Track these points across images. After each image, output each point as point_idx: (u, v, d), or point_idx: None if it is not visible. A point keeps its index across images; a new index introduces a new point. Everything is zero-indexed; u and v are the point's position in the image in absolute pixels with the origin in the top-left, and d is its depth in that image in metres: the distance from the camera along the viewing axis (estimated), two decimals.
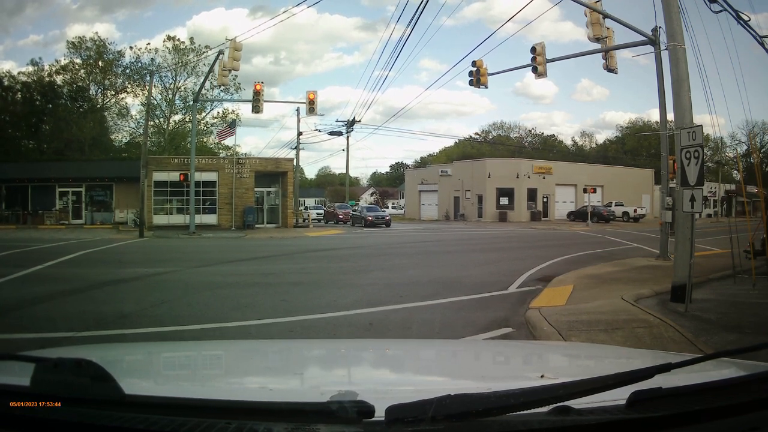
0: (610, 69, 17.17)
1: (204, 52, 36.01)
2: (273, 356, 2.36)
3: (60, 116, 40.62)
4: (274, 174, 34.01)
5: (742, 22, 13.23)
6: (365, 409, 1.04)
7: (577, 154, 70.95)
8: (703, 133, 7.75)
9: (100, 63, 43.25)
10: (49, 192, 34.49)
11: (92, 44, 43.10)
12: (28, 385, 1.13)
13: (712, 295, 8.81)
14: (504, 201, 46.93)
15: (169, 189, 31.34)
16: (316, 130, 42.74)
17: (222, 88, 37.12)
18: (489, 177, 46.88)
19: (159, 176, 30.95)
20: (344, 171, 61.66)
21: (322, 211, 48.99)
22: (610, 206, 43.79)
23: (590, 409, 1.10)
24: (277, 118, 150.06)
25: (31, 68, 43.32)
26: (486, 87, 18.65)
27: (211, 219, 31.53)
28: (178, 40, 44.01)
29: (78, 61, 43.12)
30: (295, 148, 39.94)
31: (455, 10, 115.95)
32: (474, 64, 18.33)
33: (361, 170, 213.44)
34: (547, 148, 75.33)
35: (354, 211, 41.85)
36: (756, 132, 59.66)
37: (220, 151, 44.58)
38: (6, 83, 42.59)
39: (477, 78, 18.30)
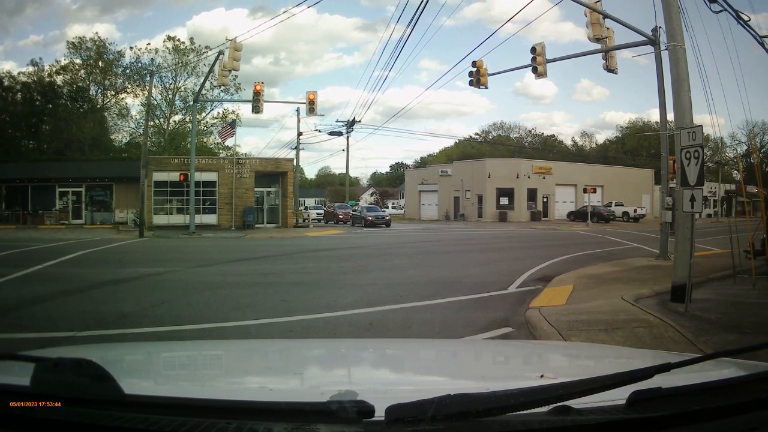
0: (610, 69, 17.17)
1: (204, 52, 36.02)
2: (273, 356, 2.36)
3: (60, 116, 40.62)
4: (274, 174, 34.02)
5: (742, 22, 13.24)
6: (365, 409, 1.04)
7: (577, 154, 70.97)
8: (703, 133, 7.76)
9: (100, 63, 43.24)
10: (49, 192, 34.50)
11: (92, 44, 43.15)
12: (28, 385, 1.13)
13: (712, 295, 8.81)
14: (504, 201, 46.94)
15: (169, 189, 31.34)
16: (316, 131, 42.79)
17: (222, 88, 37.19)
18: (489, 177, 46.89)
19: (159, 176, 30.96)
20: (344, 171, 61.72)
21: (322, 211, 49.00)
22: (610, 206, 43.79)
23: (590, 408, 1.10)
24: (277, 119, 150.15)
25: (31, 68, 43.41)
26: (486, 87, 18.66)
27: (211, 219, 31.54)
28: (178, 40, 44.08)
29: (78, 61, 43.20)
30: (295, 148, 39.98)
31: (455, 10, 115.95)
32: (474, 64, 18.33)
33: (361, 170, 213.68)
34: (547, 148, 75.32)
35: (354, 211, 41.85)
36: (756, 132, 59.74)
37: (220, 151, 44.58)
38: (6, 83, 42.62)
39: (477, 78, 18.30)
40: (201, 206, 30.76)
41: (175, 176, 30.46)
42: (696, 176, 7.57)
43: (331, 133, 42.46)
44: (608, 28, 15.82)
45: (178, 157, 32.92)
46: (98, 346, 3.42)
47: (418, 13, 25.87)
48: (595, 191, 40.97)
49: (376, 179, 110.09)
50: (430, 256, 16.57)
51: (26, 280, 10.59)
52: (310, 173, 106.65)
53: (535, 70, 16.70)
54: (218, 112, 45.48)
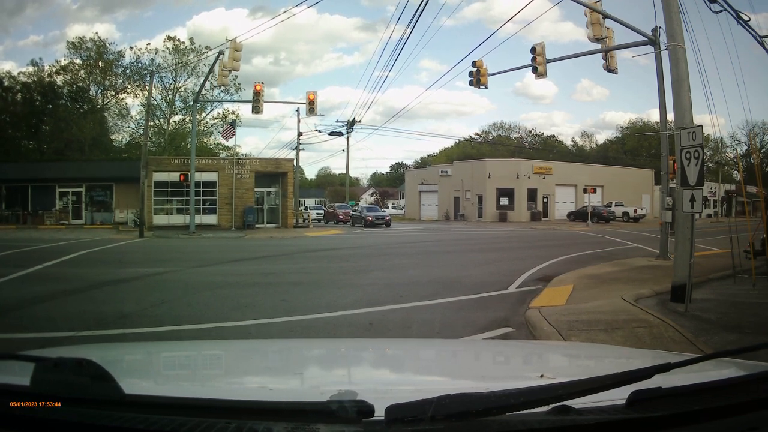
0: (610, 69, 17.17)
1: (204, 52, 36.00)
2: (273, 356, 2.36)
3: (60, 116, 40.61)
4: (274, 174, 34.02)
5: (742, 22, 13.24)
6: (365, 409, 1.04)
7: (577, 155, 70.98)
8: (703, 133, 7.75)
9: (100, 63, 43.20)
10: (49, 192, 34.50)
11: (92, 44, 43.10)
12: (28, 384, 1.13)
13: (712, 295, 8.81)
14: (504, 201, 46.94)
15: (169, 189, 31.35)
16: (316, 131, 42.79)
17: (222, 88, 37.15)
18: (489, 177, 46.89)
19: (159, 176, 30.97)
20: (344, 171, 61.75)
21: (322, 212, 49.00)
22: (610, 206, 43.80)
23: (590, 408, 1.10)
24: (277, 119, 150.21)
25: (31, 68, 43.37)
26: (486, 87, 18.66)
27: (211, 219, 31.54)
28: (178, 40, 44.02)
29: (78, 61, 43.14)
30: (295, 148, 40.01)
31: (455, 10, 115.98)
32: (474, 64, 18.33)
33: (361, 170, 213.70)
34: (547, 148, 75.30)
35: (354, 211, 41.85)
36: (756, 132, 59.75)
37: (220, 151, 44.65)
38: (6, 83, 42.59)
39: (477, 78, 18.30)
40: (201, 206, 30.76)
41: (175, 176, 30.45)
42: (696, 176, 7.57)
43: (331, 134, 42.52)
44: (608, 28, 15.83)
45: (178, 158, 32.92)
46: (98, 346, 3.42)
47: (418, 13, 25.89)
48: (595, 191, 40.97)
49: (376, 179, 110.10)
50: (430, 256, 16.57)
51: (26, 280, 10.59)
52: (310, 173, 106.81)
53: (535, 70, 16.70)
54: (218, 113, 45.52)
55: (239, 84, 41.05)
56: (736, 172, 53.71)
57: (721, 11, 12.68)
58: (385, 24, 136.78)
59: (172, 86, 44.03)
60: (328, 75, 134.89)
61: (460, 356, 2.45)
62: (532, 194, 47.54)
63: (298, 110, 38.47)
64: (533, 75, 16.90)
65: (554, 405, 1.07)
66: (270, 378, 1.87)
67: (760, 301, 8.24)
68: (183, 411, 1.11)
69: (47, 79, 42.83)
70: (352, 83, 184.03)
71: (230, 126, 34.18)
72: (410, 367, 2.20)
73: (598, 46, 16.10)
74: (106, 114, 44.85)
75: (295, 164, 37.04)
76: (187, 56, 41.93)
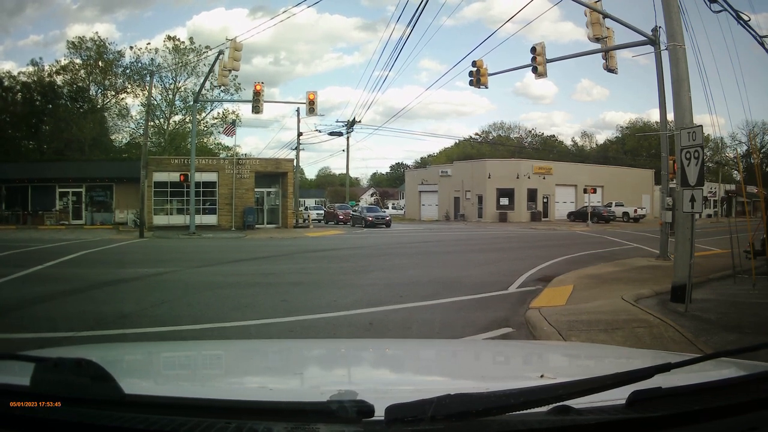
0: (610, 69, 17.17)
1: (204, 52, 36.00)
2: (273, 356, 2.36)
3: (60, 116, 40.62)
4: (274, 174, 34.02)
5: (742, 22, 13.24)
6: (365, 409, 1.04)
7: (577, 155, 70.98)
8: (703, 133, 7.75)
9: (100, 63, 43.22)
10: (49, 192, 34.51)
11: (92, 44, 43.14)
12: (28, 385, 1.13)
13: (712, 295, 8.81)
14: (504, 201, 46.94)
15: (169, 189, 31.35)
16: (316, 131, 42.82)
17: (222, 88, 37.16)
18: (489, 177, 46.89)
19: (159, 177, 30.97)
20: (344, 171, 61.74)
21: (323, 212, 49.02)
22: (610, 206, 43.79)
23: (590, 408, 1.10)
24: (277, 119, 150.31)
25: (31, 68, 43.40)
26: (486, 87, 18.66)
27: (211, 219, 31.54)
28: (178, 40, 44.06)
29: (78, 61, 43.18)
30: (295, 148, 40.03)
31: (455, 10, 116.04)
32: (474, 64, 18.33)
33: (362, 170, 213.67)
34: (547, 148, 75.31)
35: (354, 211, 41.85)
36: (756, 132, 59.72)
37: (220, 151, 44.69)
38: (6, 83, 42.61)
39: (477, 78, 18.30)
40: (201, 207, 30.76)
41: (175, 177, 30.45)
42: (696, 176, 7.57)
43: (331, 134, 42.53)
44: (608, 28, 15.83)
45: (178, 158, 32.93)
46: (98, 346, 3.42)
47: (418, 13, 25.85)
48: (595, 191, 40.99)
49: (376, 179, 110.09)
50: (431, 257, 16.57)
51: (26, 280, 10.59)
52: (310, 173, 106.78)
53: (535, 70, 16.70)
54: (218, 112, 45.56)
55: (239, 84, 41.12)
56: (736, 172, 53.78)
57: (721, 11, 12.69)
58: (385, 24, 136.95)
59: (172, 86, 44.12)
60: (328, 75, 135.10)
61: (460, 356, 2.45)
62: (532, 194, 47.54)
63: (298, 110, 38.56)
64: (533, 75, 16.91)
65: (554, 405, 1.07)
66: (270, 378, 1.87)
67: (760, 301, 8.24)
68: (183, 411, 1.11)
69: (47, 79, 42.86)
70: (352, 83, 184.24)
71: (231, 125, 34.23)
72: (410, 367, 2.20)
73: (598, 46, 16.10)
74: (106, 114, 44.90)
75: (295, 164, 37.06)
76: (187, 56, 41.99)
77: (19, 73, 43.64)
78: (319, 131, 42.37)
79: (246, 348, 2.69)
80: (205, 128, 45.49)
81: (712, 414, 1.13)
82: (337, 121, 53.70)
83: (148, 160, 28.88)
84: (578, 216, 42.73)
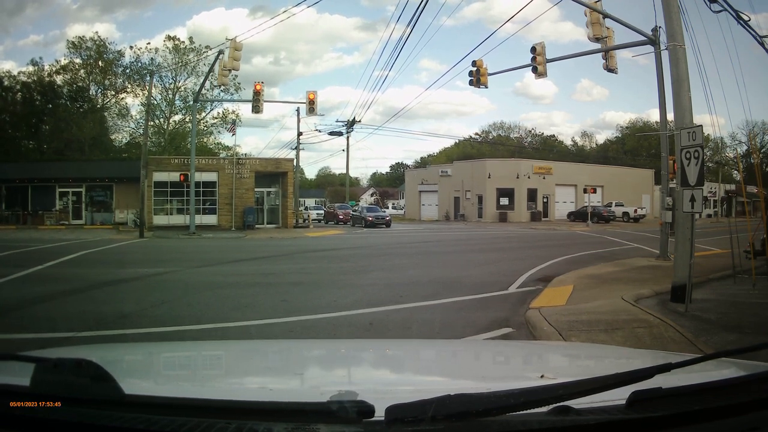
0: (610, 69, 17.18)
1: (204, 52, 36.00)
2: (273, 356, 2.36)
3: (60, 116, 40.61)
4: (274, 174, 34.02)
5: (742, 22, 13.24)
6: (365, 409, 1.04)
7: (577, 155, 70.98)
8: (703, 133, 7.75)
9: (100, 63, 43.22)
10: (49, 192, 34.51)
11: (92, 44, 43.13)
12: (28, 385, 1.13)
13: (712, 295, 8.81)
14: (504, 201, 46.94)
15: (169, 189, 31.35)
16: (316, 131, 42.79)
17: (222, 88, 37.09)
18: (489, 177, 46.89)
19: (159, 176, 30.97)
20: (344, 171, 61.76)
21: (323, 212, 49.01)
22: (610, 206, 43.80)
23: (590, 409, 1.10)
24: (277, 118, 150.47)
25: (31, 68, 43.38)
26: (486, 87, 18.68)
27: (211, 219, 31.54)
28: (178, 40, 44.04)
29: (78, 61, 43.16)
30: (295, 148, 40.03)
31: (455, 10, 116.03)
32: (474, 64, 18.34)
33: (361, 170, 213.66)
34: (547, 148, 75.33)
35: (354, 211, 41.86)
36: (756, 132, 59.70)
37: (220, 151, 44.67)
38: (6, 83, 42.60)
39: (477, 78, 18.31)
40: (201, 206, 30.76)
41: (175, 176, 30.45)
42: (696, 176, 7.57)
43: (331, 133, 42.51)
44: (608, 28, 15.84)
45: (178, 158, 32.92)
46: (98, 347, 3.42)
47: (418, 13, 25.83)
48: (595, 191, 40.98)
49: (376, 179, 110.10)
50: (431, 257, 16.57)
51: (27, 280, 10.59)
52: (310, 173, 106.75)
53: (535, 70, 16.70)
54: (218, 112, 45.53)
55: (239, 83, 41.09)
56: (736, 172, 53.79)
57: (721, 11, 12.69)
58: (385, 24, 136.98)
59: (172, 86, 44.11)
60: (328, 75, 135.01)
61: (461, 356, 2.45)
62: (532, 194, 47.55)
63: (298, 110, 38.56)
64: (533, 75, 16.92)
65: (554, 405, 1.07)
66: (270, 378, 1.87)
67: (760, 301, 8.24)
68: (183, 411, 1.11)
69: (47, 79, 42.85)
70: (352, 83, 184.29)
71: (232, 125, 34.35)
72: (410, 368, 2.20)
73: (598, 45, 16.10)
74: (106, 114, 44.89)
75: (295, 164, 37.07)
76: (187, 56, 41.99)
77: (19, 73, 43.73)
78: (319, 131, 42.41)
79: (246, 348, 2.69)
80: (205, 128, 45.52)
81: (713, 414, 1.13)
82: (337, 121, 53.66)
83: (148, 159, 28.89)
84: (578, 216, 42.73)
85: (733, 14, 12.91)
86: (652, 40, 13.71)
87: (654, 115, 66.82)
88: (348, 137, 43.87)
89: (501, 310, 7.85)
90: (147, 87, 35.65)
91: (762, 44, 14.52)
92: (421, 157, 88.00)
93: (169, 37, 44.14)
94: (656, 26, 13.41)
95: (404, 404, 1.04)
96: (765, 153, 62.58)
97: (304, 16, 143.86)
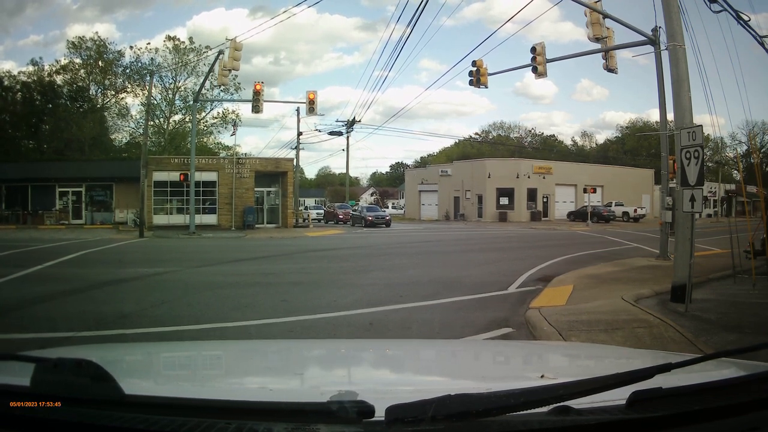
0: (610, 69, 17.17)
1: (204, 52, 36.00)
2: (273, 356, 2.36)
3: (60, 116, 40.60)
4: (274, 174, 34.02)
5: (742, 22, 13.23)
6: (365, 409, 1.04)
7: (577, 154, 70.98)
8: (703, 133, 7.75)
9: (100, 63, 43.21)
10: (49, 192, 34.50)
11: (92, 44, 43.12)
12: (28, 385, 1.13)
13: (712, 295, 8.81)
14: (504, 201, 46.94)
15: (169, 189, 31.34)
16: (316, 130, 42.78)
17: (222, 88, 37.16)
18: (489, 177, 46.89)
19: (159, 176, 30.96)
20: (344, 171, 61.74)
21: (322, 211, 48.99)
22: (610, 206, 43.80)
23: (590, 409, 1.10)
24: (277, 118, 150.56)
25: (31, 68, 43.38)
26: (486, 87, 18.67)
27: (211, 219, 31.54)
28: (178, 40, 44.06)
29: (78, 61, 43.16)
30: (295, 148, 40.03)
31: (455, 10, 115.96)
32: (474, 64, 18.33)
33: (361, 170, 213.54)
34: (547, 148, 75.35)
35: (354, 211, 41.85)
36: (756, 132, 59.71)
37: (220, 151, 44.68)
38: (6, 83, 42.60)
39: (477, 78, 18.30)
40: (201, 206, 30.76)
41: (175, 176, 30.45)
42: (696, 176, 7.57)
43: (331, 133, 42.51)
44: (608, 28, 15.83)
45: (178, 157, 32.92)
46: (98, 346, 3.42)
47: (418, 13, 25.83)
48: (595, 191, 40.97)
49: (376, 179, 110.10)
50: (430, 256, 16.57)
51: (26, 280, 10.59)
52: (310, 173, 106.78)
53: (535, 70, 16.70)
54: (218, 112, 45.54)
55: (239, 83, 41.09)
56: (736, 172, 53.78)
57: (721, 11, 12.68)
58: (385, 24, 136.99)
59: (172, 86, 44.12)
60: (328, 75, 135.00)
61: (461, 356, 2.44)
62: (532, 194, 47.55)
63: (298, 110, 38.55)
64: (533, 75, 16.91)
65: (555, 405, 1.07)
66: (270, 378, 1.87)
67: (760, 301, 8.24)
68: (183, 411, 1.11)
69: (47, 79, 42.85)
70: (352, 83, 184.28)
71: (233, 126, 34.57)
72: (410, 368, 2.20)
73: (598, 45, 16.10)
74: (106, 114, 44.88)
75: (295, 164, 37.06)
76: (187, 56, 42.00)
77: (19, 73, 43.74)
78: (319, 131, 42.40)
79: (246, 348, 2.69)
80: (205, 128, 45.52)
81: (713, 414, 1.13)
82: (337, 121, 53.66)
83: (148, 159, 28.89)
84: (578, 216, 42.73)
85: (733, 14, 12.92)
86: (652, 40, 13.71)
87: (654, 115, 66.92)
88: (348, 137, 43.96)
89: (501, 310, 7.85)
90: (147, 87, 35.69)
91: (762, 44, 14.52)
92: (421, 157, 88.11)
93: (169, 37, 44.23)
94: (656, 26, 13.43)
95: (404, 404, 1.03)
96: (765, 153, 62.59)
97: (304, 16, 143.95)
